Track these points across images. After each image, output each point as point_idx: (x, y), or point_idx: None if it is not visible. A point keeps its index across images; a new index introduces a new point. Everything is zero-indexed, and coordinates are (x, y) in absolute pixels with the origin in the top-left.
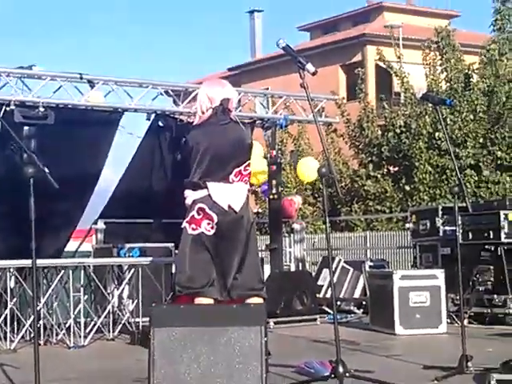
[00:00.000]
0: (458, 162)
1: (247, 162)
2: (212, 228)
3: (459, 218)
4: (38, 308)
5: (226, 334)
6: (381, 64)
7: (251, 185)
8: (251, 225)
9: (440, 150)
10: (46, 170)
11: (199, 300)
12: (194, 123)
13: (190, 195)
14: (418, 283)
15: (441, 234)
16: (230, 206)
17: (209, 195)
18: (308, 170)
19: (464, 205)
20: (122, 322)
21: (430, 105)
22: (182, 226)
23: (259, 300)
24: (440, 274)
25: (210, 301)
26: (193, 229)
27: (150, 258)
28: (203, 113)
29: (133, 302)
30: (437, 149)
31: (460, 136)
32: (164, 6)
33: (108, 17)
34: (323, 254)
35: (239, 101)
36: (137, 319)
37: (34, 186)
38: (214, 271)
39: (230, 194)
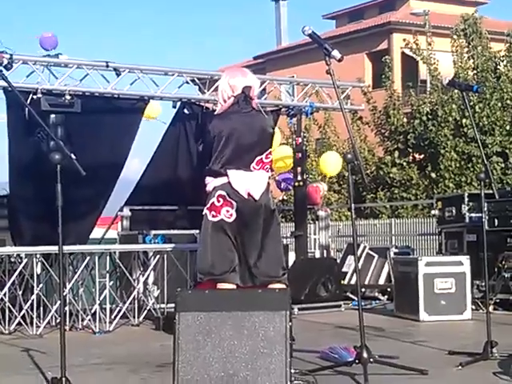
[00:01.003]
0: (485, 149)
1: (268, 150)
2: (231, 215)
3: (485, 204)
4: (64, 294)
5: (250, 319)
6: (407, 52)
7: (277, 169)
8: (272, 212)
9: (466, 138)
10: (73, 156)
11: (221, 285)
12: (216, 112)
13: (211, 182)
14: (443, 270)
15: (467, 220)
16: (249, 194)
17: (229, 182)
18: (330, 164)
19: (490, 191)
20: (147, 308)
21: (457, 92)
22: (203, 213)
23: (281, 286)
24: (465, 260)
25: (232, 286)
26: (213, 216)
27: (176, 245)
28: (225, 101)
29: (158, 289)
30: (463, 136)
31: (487, 124)
32: None
33: (136, 4)
34: (348, 241)
35: (264, 89)
36: (162, 305)
37: (61, 173)
38: (235, 257)
39: (250, 181)
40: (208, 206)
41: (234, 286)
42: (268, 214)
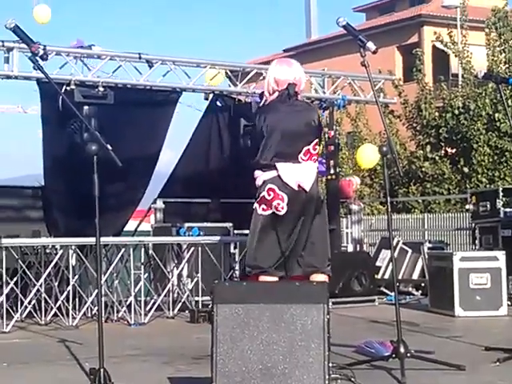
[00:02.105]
0: None
1: (316, 141)
2: (282, 208)
3: None
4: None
5: (288, 312)
6: (438, 45)
7: None
8: (322, 203)
9: (499, 132)
10: (109, 147)
11: (264, 278)
12: (261, 104)
13: (260, 176)
14: (478, 265)
15: (501, 215)
16: (299, 186)
17: (278, 176)
18: (367, 156)
19: None
20: (182, 300)
21: (490, 86)
22: (253, 207)
23: (323, 277)
24: (501, 255)
25: (275, 279)
26: (263, 209)
27: (210, 237)
28: (270, 94)
29: (192, 281)
30: (496, 130)
31: None
32: None
33: None
34: (381, 235)
35: None
36: (196, 298)
37: (97, 164)
38: (283, 251)
39: (300, 173)
40: (258, 199)
41: (277, 279)
42: (318, 204)
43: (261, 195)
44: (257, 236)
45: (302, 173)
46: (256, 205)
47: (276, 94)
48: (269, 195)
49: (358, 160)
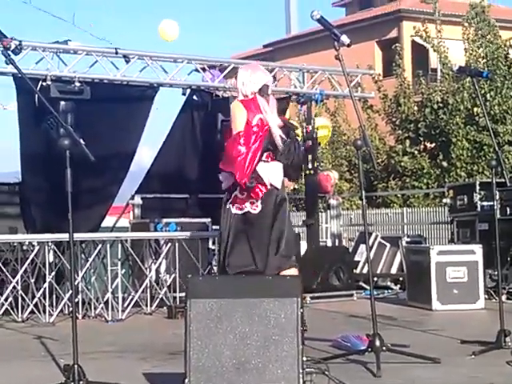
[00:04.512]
0: (496, 138)
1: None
2: (257, 207)
3: (497, 192)
4: (76, 282)
5: (261, 306)
6: (417, 40)
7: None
8: (287, 201)
9: (478, 126)
10: (82, 141)
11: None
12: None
13: (231, 176)
14: (455, 258)
15: (479, 209)
16: (271, 184)
17: None
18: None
19: (502, 180)
20: (160, 296)
21: (468, 80)
22: (226, 207)
23: (295, 271)
24: (478, 249)
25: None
26: (237, 208)
27: (187, 233)
28: (244, 96)
29: (170, 277)
30: (474, 125)
31: (499, 112)
32: None
33: None
34: (360, 230)
35: (274, 76)
36: (174, 294)
37: (71, 160)
38: (252, 252)
39: (270, 171)
40: (231, 199)
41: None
42: (286, 203)
43: (233, 195)
44: (228, 238)
45: (271, 171)
46: (229, 205)
47: (251, 96)
48: (242, 194)
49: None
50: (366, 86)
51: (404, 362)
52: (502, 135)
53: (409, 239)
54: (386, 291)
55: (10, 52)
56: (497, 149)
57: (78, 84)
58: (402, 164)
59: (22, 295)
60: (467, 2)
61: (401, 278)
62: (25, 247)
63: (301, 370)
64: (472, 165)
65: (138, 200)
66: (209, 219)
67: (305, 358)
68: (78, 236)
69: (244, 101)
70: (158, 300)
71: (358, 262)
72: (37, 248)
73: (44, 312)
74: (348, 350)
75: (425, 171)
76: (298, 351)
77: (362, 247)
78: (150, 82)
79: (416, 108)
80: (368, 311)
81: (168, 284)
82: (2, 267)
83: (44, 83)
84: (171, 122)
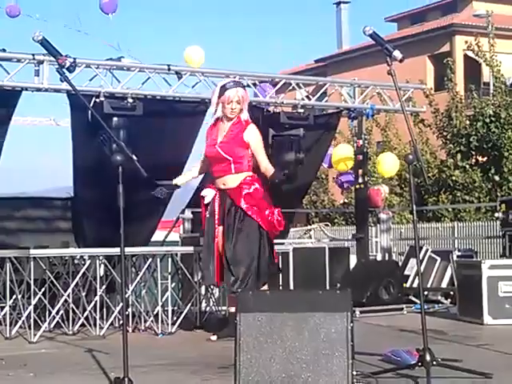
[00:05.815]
0: None
1: None
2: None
3: None
4: (127, 295)
5: (311, 320)
6: (470, 54)
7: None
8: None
9: None
10: (135, 157)
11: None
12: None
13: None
14: (507, 273)
15: None
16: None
17: None
18: (386, 164)
19: None
20: (209, 310)
21: None
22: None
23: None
24: None
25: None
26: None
27: None
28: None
29: (219, 291)
30: None
31: None
32: None
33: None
34: (410, 244)
35: (325, 91)
36: (223, 307)
37: (123, 175)
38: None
39: None
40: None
41: None
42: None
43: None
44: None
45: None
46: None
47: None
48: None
49: (379, 168)
50: (417, 100)
51: (455, 377)
52: None
53: (460, 253)
54: (436, 305)
55: (64, 70)
56: None
57: (130, 100)
58: (454, 178)
59: (73, 308)
60: None
61: (451, 292)
62: (76, 261)
63: None
64: None
65: (188, 214)
66: None
67: (355, 373)
68: (128, 250)
69: None
70: (208, 314)
71: (408, 275)
72: (88, 262)
73: (95, 325)
74: (398, 365)
75: (476, 185)
76: (347, 365)
77: (412, 261)
78: (201, 98)
79: (468, 122)
80: (418, 325)
81: (217, 297)
82: (54, 281)
83: (97, 99)
84: None
